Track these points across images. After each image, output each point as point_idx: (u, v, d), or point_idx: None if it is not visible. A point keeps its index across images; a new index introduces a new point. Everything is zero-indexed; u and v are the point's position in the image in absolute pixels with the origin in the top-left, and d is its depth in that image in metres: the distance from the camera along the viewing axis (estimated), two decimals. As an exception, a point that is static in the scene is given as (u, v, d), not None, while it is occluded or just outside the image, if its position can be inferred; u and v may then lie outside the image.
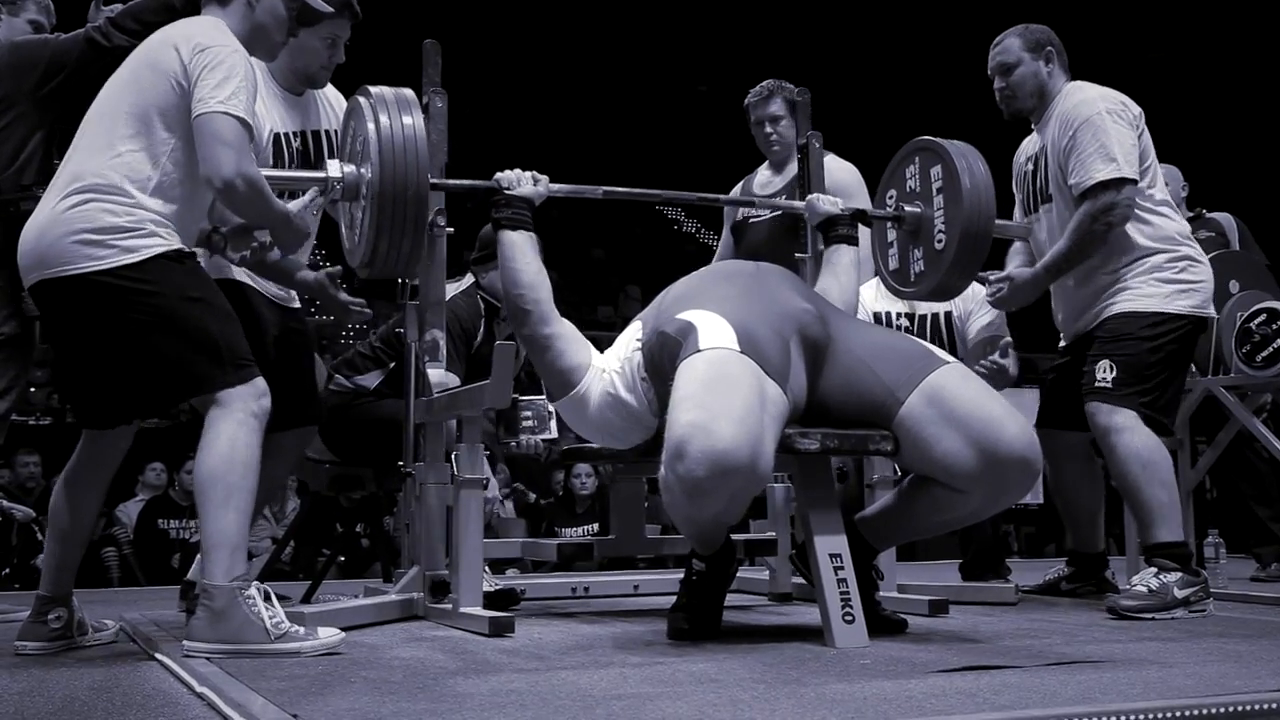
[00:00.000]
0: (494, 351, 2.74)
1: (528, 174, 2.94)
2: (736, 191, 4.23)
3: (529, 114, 15.87)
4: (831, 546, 2.52)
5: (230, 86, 2.51)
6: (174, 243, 2.55)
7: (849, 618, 2.45)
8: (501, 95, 15.09)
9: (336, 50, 3.20)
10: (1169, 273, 3.29)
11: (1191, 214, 5.21)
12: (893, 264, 3.41)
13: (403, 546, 3.27)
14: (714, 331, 2.49)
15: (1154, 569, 3.16)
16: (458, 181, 3.03)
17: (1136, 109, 3.37)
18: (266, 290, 3.19)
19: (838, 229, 3.21)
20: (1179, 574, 3.12)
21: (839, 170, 3.92)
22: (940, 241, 3.21)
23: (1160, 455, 3.21)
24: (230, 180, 2.48)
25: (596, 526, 6.74)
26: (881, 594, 3.11)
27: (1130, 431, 3.19)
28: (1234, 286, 3.82)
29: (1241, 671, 2.12)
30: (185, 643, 2.41)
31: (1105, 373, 3.23)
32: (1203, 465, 4.07)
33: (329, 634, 2.44)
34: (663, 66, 15.81)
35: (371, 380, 3.84)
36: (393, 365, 3.81)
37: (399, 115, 2.70)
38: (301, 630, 2.42)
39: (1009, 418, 2.54)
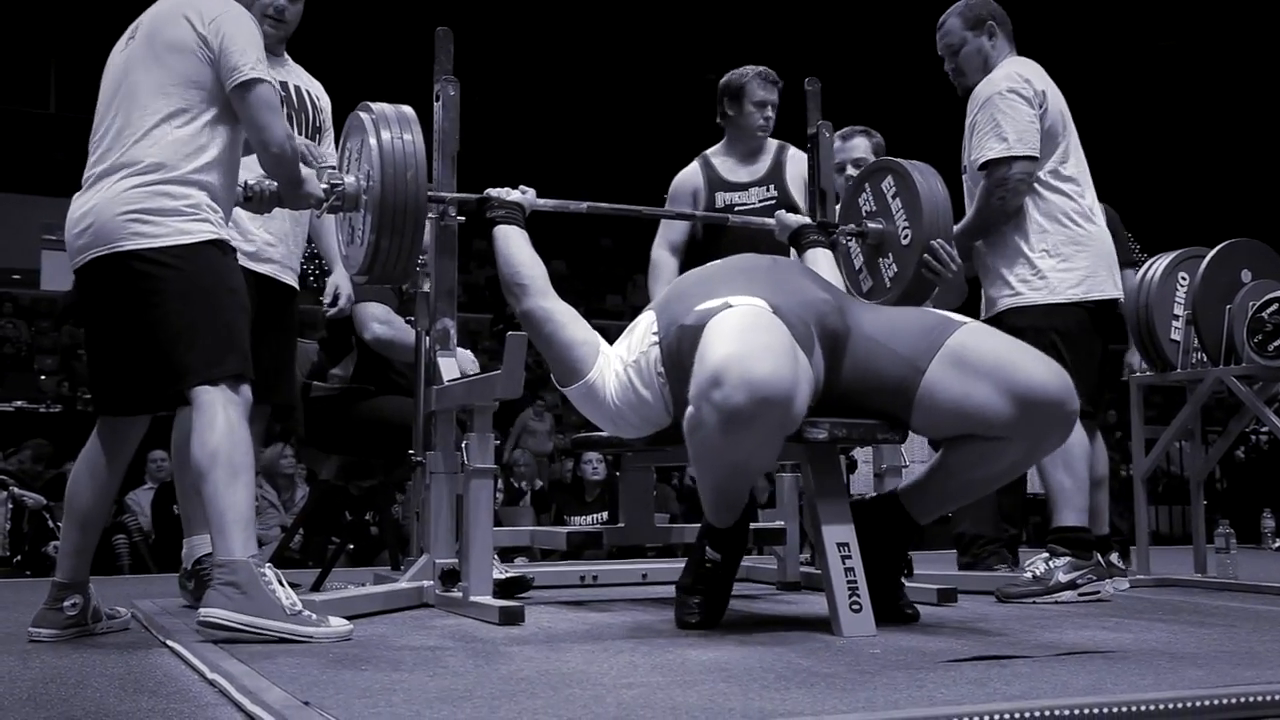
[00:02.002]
0: (506, 341, 2.75)
1: (515, 190, 3.06)
2: (696, 169, 4.06)
3: (538, 102, 15.85)
4: (839, 536, 2.52)
5: (255, 50, 2.62)
6: (222, 232, 2.65)
7: (856, 607, 2.45)
8: (511, 84, 15.07)
9: None
10: (1055, 261, 3.36)
11: None
12: (865, 286, 3.41)
13: (412, 534, 3.28)
14: (743, 300, 2.49)
15: (1046, 554, 3.26)
16: (454, 194, 3.09)
17: (1040, 86, 3.41)
18: (264, 270, 3.23)
19: (808, 236, 3.29)
20: (1067, 558, 3.21)
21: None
22: (906, 237, 3.24)
23: (1074, 441, 3.22)
24: (282, 144, 2.63)
25: (606, 515, 6.74)
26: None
27: None
28: (1246, 275, 3.80)
29: (1252, 661, 2.12)
30: (202, 610, 2.42)
31: None
32: (1213, 455, 4.06)
33: (339, 623, 2.46)
34: (671, 55, 15.79)
35: (345, 369, 3.80)
36: (347, 348, 3.81)
37: (400, 131, 2.84)
38: (314, 616, 2.43)
39: (1038, 361, 2.51)
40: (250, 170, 2.79)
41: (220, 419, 2.50)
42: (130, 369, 2.61)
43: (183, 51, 2.61)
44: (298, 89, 3.38)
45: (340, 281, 3.52)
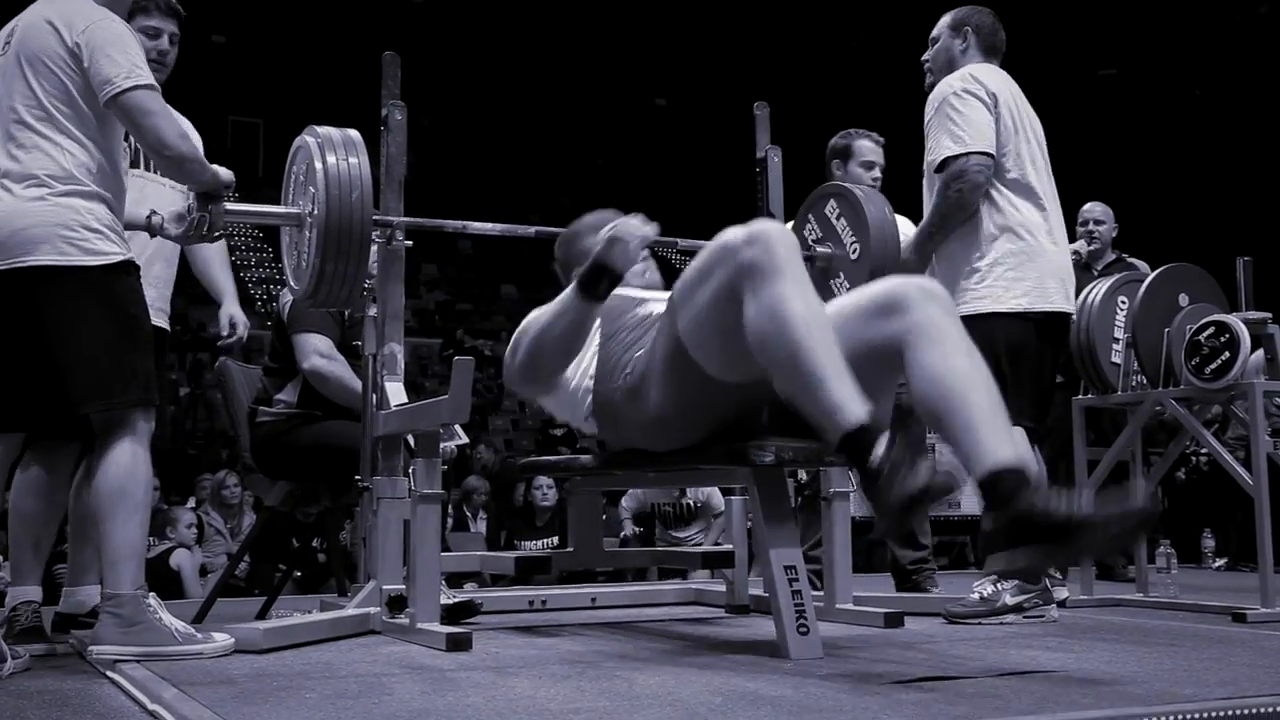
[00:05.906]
0: (453, 366, 2.75)
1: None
2: None
3: (488, 126, 15.85)
4: (786, 559, 2.53)
5: (127, 57, 2.58)
6: (126, 252, 2.64)
7: (804, 629, 2.46)
8: (460, 109, 15.07)
9: (160, 42, 3.24)
10: (1002, 270, 3.36)
11: (1114, 256, 5.32)
12: None
13: (360, 561, 3.25)
14: None
15: (994, 576, 3.27)
16: (400, 219, 3.08)
17: (993, 89, 3.41)
18: None
19: None
20: (1014, 582, 3.22)
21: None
22: (855, 252, 3.31)
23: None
24: (176, 145, 2.60)
25: (556, 540, 6.72)
26: (838, 606, 3.14)
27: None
28: (1183, 299, 3.87)
29: (1191, 680, 2.15)
30: (93, 648, 2.50)
31: None
32: (1154, 476, 4.12)
33: (221, 638, 2.57)
34: (621, 80, 15.87)
35: (291, 394, 3.79)
36: (292, 373, 3.78)
37: (345, 155, 2.84)
38: (199, 635, 2.54)
39: (874, 285, 2.55)
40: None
41: (126, 455, 2.56)
42: (12, 385, 2.60)
43: (54, 64, 2.60)
44: None
45: (233, 312, 3.53)
